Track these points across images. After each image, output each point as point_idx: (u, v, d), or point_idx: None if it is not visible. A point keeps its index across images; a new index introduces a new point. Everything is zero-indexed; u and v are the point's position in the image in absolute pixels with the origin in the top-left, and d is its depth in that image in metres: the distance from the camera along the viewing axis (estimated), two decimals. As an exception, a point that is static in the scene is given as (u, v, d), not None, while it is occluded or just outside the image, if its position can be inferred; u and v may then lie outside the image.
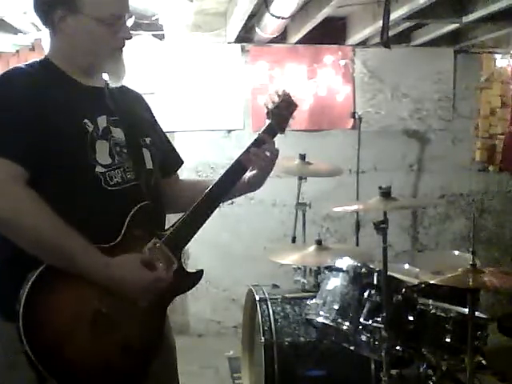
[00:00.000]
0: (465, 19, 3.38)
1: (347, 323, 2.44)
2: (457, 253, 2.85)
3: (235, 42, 4.09)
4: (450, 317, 2.38)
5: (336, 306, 2.48)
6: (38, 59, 1.57)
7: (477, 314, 2.35)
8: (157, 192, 1.63)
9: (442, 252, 4.18)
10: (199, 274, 1.64)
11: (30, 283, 1.35)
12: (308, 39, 3.97)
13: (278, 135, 1.74)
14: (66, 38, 1.52)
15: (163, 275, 1.49)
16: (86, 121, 1.48)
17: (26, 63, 1.55)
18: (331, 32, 4.11)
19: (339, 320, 2.46)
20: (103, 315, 1.42)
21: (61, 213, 1.39)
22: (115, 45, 1.54)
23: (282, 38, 4.05)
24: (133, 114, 1.64)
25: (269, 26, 3.57)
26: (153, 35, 3.98)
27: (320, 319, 2.55)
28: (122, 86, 1.65)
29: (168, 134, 1.85)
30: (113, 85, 1.59)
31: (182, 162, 1.88)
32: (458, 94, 4.50)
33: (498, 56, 4.52)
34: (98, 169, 1.48)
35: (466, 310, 2.33)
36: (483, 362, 2.39)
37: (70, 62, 1.55)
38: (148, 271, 1.45)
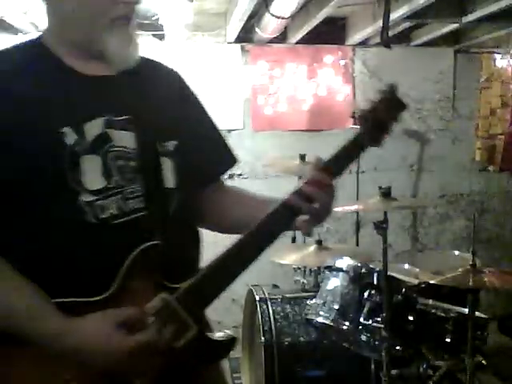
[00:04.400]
0: (465, 19, 3.37)
1: (347, 323, 2.44)
2: (457, 253, 2.85)
3: (235, 42, 4.08)
4: (450, 317, 2.38)
5: (336, 306, 2.48)
6: (28, 40, 1.20)
7: (477, 314, 2.35)
8: (180, 222, 1.18)
9: (442, 252, 4.17)
10: (230, 343, 1.18)
11: None
12: (308, 39, 3.97)
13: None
14: (56, 10, 1.14)
15: (151, 337, 1.05)
16: (64, 130, 1.08)
17: (12, 45, 1.18)
18: (331, 32, 4.10)
19: (339, 320, 2.46)
20: None
21: (34, 256, 1.07)
22: (114, 12, 1.11)
23: (282, 38, 4.04)
24: (154, 108, 1.19)
25: (269, 26, 3.56)
26: (153, 35, 3.98)
27: (320, 319, 2.55)
28: (148, 68, 1.25)
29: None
30: (120, 68, 1.16)
31: (233, 163, 1.39)
32: (458, 94, 4.50)
33: (498, 56, 4.52)
34: (84, 196, 1.07)
35: (466, 310, 2.33)
36: (483, 362, 2.38)
37: (63, 41, 1.16)
38: (125, 336, 1.04)
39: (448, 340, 2.37)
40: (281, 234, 1.16)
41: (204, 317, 1.19)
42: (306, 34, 3.80)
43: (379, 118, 1.22)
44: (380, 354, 2.41)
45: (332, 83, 4.25)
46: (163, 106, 1.22)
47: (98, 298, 1.07)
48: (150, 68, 1.27)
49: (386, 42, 2.74)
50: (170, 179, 1.18)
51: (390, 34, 3.11)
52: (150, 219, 1.12)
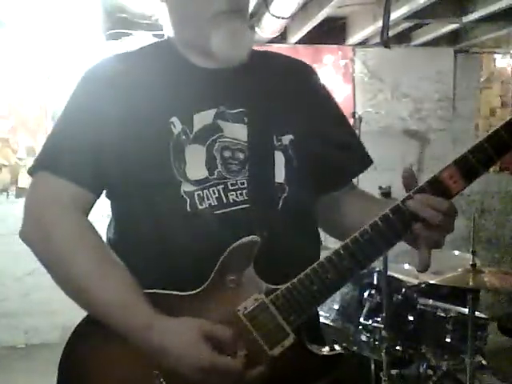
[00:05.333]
0: (465, 19, 3.38)
1: (347, 323, 2.44)
2: (457, 253, 2.85)
3: (235, 41, 4.09)
4: (450, 317, 2.38)
5: (336, 306, 2.48)
6: (159, 40, 1.26)
7: (477, 314, 2.35)
8: (289, 219, 1.10)
9: (442, 252, 4.16)
10: (336, 359, 1.09)
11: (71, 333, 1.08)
12: (308, 39, 3.97)
13: None
14: (170, 11, 1.18)
15: (233, 365, 0.98)
16: (173, 119, 1.09)
17: (140, 47, 1.23)
18: (331, 32, 4.11)
19: (339, 320, 2.46)
20: None
21: (136, 244, 1.10)
22: (217, 7, 1.10)
23: (282, 38, 4.05)
24: (270, 101, 1.15)
25: (269, 26, 3.56)
26: (153, 35, 3.97)
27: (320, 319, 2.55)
28: (268, 61, 1.23)
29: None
30: (230, 62, 1.14)
31: (367, 165, 1.28)
32: (458, 94, 4.50)
33: (498, 56, 4.52)
34: (185, 186, 1.06)
35: (466, 310, 2.33)
36: (483, 362, 2.38)
37: (182, 39, 1.18)
38: (210, 351, 0.98)
39: (448, 340, 2.37)
40: (389, 246, 1.02)
41: (308, 328, 1.07)
42: (306, 33, 3.81)
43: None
44: (380, 354, 2.41)
45: (332, 83, 4.25)
46: (280, 100, 1.17)
47: (188, 293, 1.03)
48: (270, 61, 1.25)
49: (386, 41, 2.73)
50: (281, 174, 1.11)
51: (390, 34, 3.12)
52: (252, 213, 1.06)
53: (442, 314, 2.40)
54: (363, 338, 2.44)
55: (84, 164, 1.10)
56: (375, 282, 2.48)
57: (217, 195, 1.06)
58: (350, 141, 1.26)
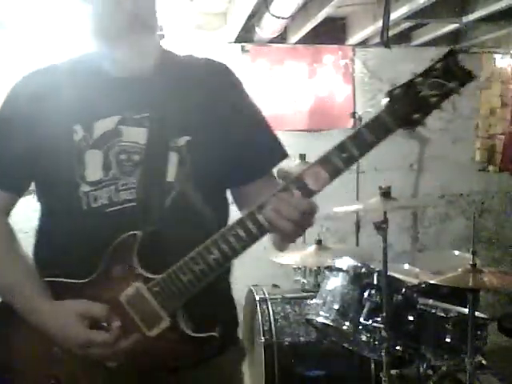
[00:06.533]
0: (465, 19, 3.37)
1: (347, 323, 2.45)
2: (457, 253, 2.85)
3: (235, 41, 4.08)
4: (450, 317, 2.38)
5: (336, 306, 2.48)
6: (89, 52, 1.32)
7: (477, 314, 2.35)
8: (177, 216, 1.19)
9: (442, 252, 4.17)
10: (209, 341, 1.16)
11: None
12: (308, 39, 3.97)
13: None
14: (84, 22, 1.24)
15: (107, 338, 1.13)
16: (75, 127, 1.21)
17: (69, 59, 1.33)
18: (331, 32, 4.10)
19: (339, 320, 2.47)
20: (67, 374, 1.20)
21: (45, 238, 1.28)
22: (118, 22, 1.21)
23: (282, 37, 4.05)
24: (173, 105, 1.23)
25: (269, 26, 3.56)
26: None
27: (320, 319, 2.55)
28: (185, 66, 1.32)
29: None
30: (137, 73, 1.25)
31: (279, 159, 1.37)
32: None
33: (497, 56, 4.52)
34: (83, 187, 1.19)
35: (466, 310, 2.33)
36: (483, 362, 2.38)
37: (96, 49, 1.28)
38: (82, 328, 1.14)
39: (448, 340, 2.37)
40: (252, 240, 1.13)
41: (191, 312, 1.18)
42: (306, 33, 3.80)
43: (415, 93, 1.06)
44: (380, 354, 2.41)
45: (332, 83, 4.25)
46: (184, 103, 1.24)
47: (81, 282, 1.18)
48: (183, 65, 1.33)
49: (386, 42, 2.74)
50: (172, 173, 1.20)
51: (390, 34, 3.11)
52: (138, 210, 1.18)
53: (442, 314, 2.41)
54: (363, 337, 2.44)
55: (5, 169, 1.27)
56: (375, 282, 2.48)
57: (109, 195, 1.19)
58: (259, 136, 1.34)
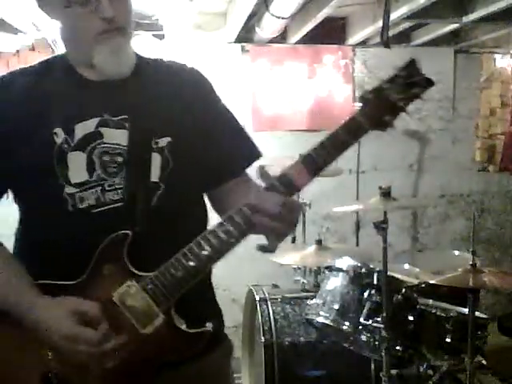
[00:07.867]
0: (465, 19, 3.38)
1: (347, 323, 2.45)
2: (457, 253, 2.85)
3: (235, 41, 4.08)
4: (450, 317, 2.38)
5: (336, 306, 2.48)
6: (57, 55, 1.35)
7: (477, 314, 2.35)
8: (163, 215, 1.23)
9: (442, 252, 4.17)
10: (203, 336, 1.19)
11: None
12: (308, 39, 3.97)
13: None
14: (60, 27, 1.27)
15: (86, 335, 1.14)
16: (56, 130, 1.21)
17: (40, 61, 1.34)
18: (331, 32, 4.10)
19: (339, 320, 2.46)
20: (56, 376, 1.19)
21: (30, 241, 1.27)
22: (95, 28, 1.21)
23: (282, 37, 4.05)
24: (151, 107, 1.27)
25: (269, 26, 3.56)
26: (153, 35, 3.97)
27: (320, 319, 2.55)
28: (156, 70, 1.35)
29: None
30: (116, 77, 1.27)
31: (253, 159, 1.39)
32: (458, 94, 4.50)
33: (498, 56, 4.52)
34: (67, 189, 1.20)
35: (466, 310, 2.33)
36: (483, 362, 2.38)
37: (72, 53, 1.30)
38: (72, 324, 1.14)
39: (448, 340, 2.37)
40: (241, 237, 1.17)
41: (184, 308, 1.20)
42: (306, 33, 3.81)
43: (385, 98, 1.13)
44: (380, 354, 2.41)
45: (332, 83, 4.25)
46: (162, 105, 1.28)
47: (72, 283, 1.18)
48: (158, 69, 1.36)
49: (386, 42, 2.74)
50: (156, 174, 1.23)
51: (390, 34, 3.11)
52: (125, 210, 1.20)
53: (442, 314, 2.40)
54: (363, 337, 2.44)
55: None
56: (375, 282, 2.48)
57: (95, 196, 1.20)
58: (233, 137, 1.39)
